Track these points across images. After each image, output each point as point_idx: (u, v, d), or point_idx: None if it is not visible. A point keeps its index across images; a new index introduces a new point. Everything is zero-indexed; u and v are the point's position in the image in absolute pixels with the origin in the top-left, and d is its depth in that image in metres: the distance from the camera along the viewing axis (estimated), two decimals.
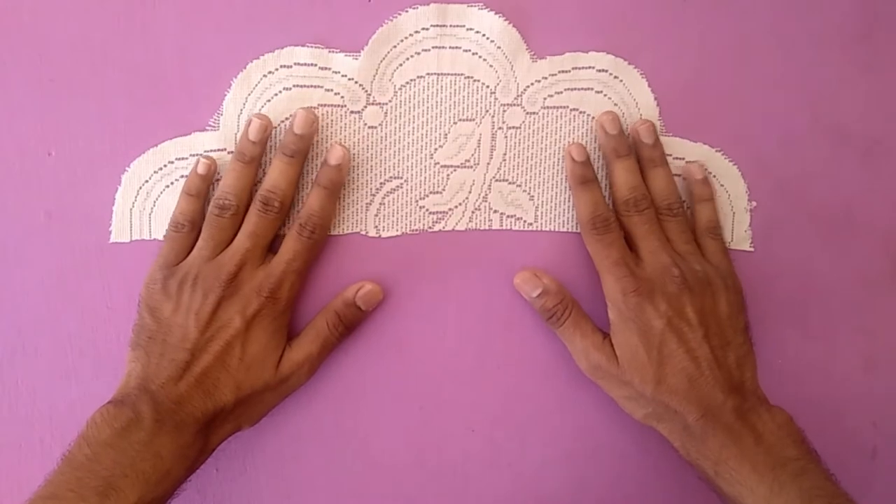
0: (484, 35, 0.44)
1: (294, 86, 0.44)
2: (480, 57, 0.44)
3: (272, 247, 0.44)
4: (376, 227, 0.46)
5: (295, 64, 0.43)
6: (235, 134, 0.44)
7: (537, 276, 0.46)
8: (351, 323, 0.45)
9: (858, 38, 0.47)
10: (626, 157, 0.45)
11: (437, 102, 0.45)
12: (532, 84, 0.45)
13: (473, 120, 0.45)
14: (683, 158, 0.47)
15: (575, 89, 0.45)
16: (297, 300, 0.45)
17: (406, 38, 0.44)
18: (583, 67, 0.45)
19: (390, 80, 0.44)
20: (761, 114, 0.47)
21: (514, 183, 0.46)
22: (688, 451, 0.43)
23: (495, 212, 0.47)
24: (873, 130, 0.48)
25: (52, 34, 0.42)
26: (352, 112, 0.44)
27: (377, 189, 0.45)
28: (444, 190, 0.46)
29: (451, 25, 0.44)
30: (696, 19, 0.46)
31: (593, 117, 0.46)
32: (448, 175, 0.46)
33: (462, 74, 0.45)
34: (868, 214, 0.49)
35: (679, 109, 0.47)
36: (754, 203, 0.48)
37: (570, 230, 0.47)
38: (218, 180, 0.44)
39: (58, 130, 0.43)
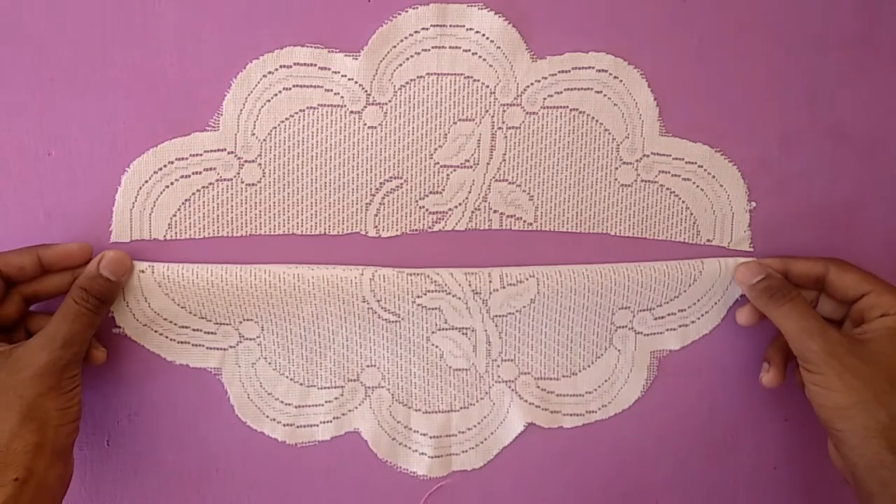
0: (484, 35, 0.44)
1: (294, 86, 0.44)
2: (480, 57, 0.44)
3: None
4: (376, 227, 0.46)
5: (295, 64, 0.43)
6: (235, 134, 0.44)
7: (759, 262, 0.46)
8: (102, 294, 0.41)
9: (858, 38, 0.47)
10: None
11: (436, 102, 0.45)
12: (532, 84, 0.45)
13: (473, 120, 0.45)
14: (683, 159, 0.47)
15: (575, 89, 0.45)
16: None
17: (406, 38, 0.44)
18: (583, 67, 0.45)
19: (390, 80, 0.44)
20: (761, 114, 0.47)
21: (513, 183, 0.46)
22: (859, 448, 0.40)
23: (495, 212, 0.46)
24: (873, 130, 0.48)
25: (52, 34, 0.42)
26: (352, 112, 0.44)
27: (377, 189, 0.45)
28: (443, 190, 0.46)
29: (450, 25, 0.44)
30: (696, 19, 0.46)
31: (593, 117, 0.46)
32: (448, 175, 0.46)
33: (462, 74, 0.45)
34: (868, 214, 0.49)
35: (679, 109, 0.47)
36: (754, 203, 0.48)
37: (569, 230, 0.47)
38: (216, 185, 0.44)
39: (58, 130, 0.43)
